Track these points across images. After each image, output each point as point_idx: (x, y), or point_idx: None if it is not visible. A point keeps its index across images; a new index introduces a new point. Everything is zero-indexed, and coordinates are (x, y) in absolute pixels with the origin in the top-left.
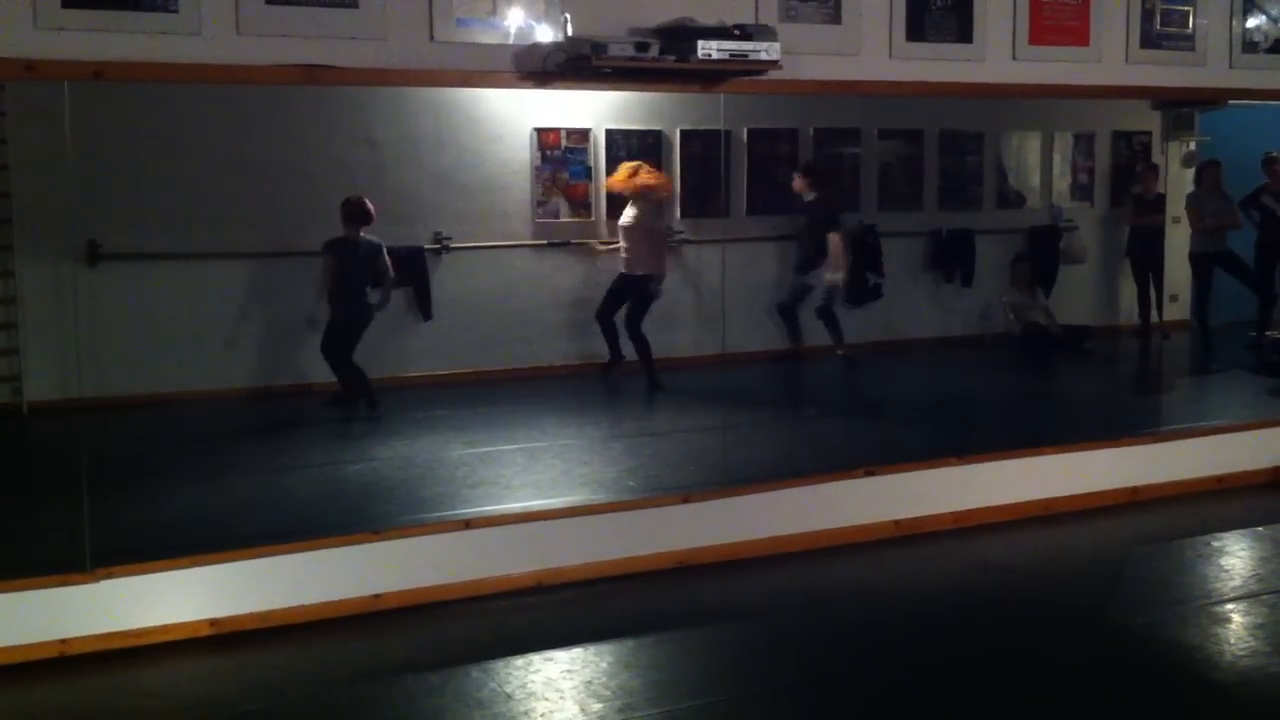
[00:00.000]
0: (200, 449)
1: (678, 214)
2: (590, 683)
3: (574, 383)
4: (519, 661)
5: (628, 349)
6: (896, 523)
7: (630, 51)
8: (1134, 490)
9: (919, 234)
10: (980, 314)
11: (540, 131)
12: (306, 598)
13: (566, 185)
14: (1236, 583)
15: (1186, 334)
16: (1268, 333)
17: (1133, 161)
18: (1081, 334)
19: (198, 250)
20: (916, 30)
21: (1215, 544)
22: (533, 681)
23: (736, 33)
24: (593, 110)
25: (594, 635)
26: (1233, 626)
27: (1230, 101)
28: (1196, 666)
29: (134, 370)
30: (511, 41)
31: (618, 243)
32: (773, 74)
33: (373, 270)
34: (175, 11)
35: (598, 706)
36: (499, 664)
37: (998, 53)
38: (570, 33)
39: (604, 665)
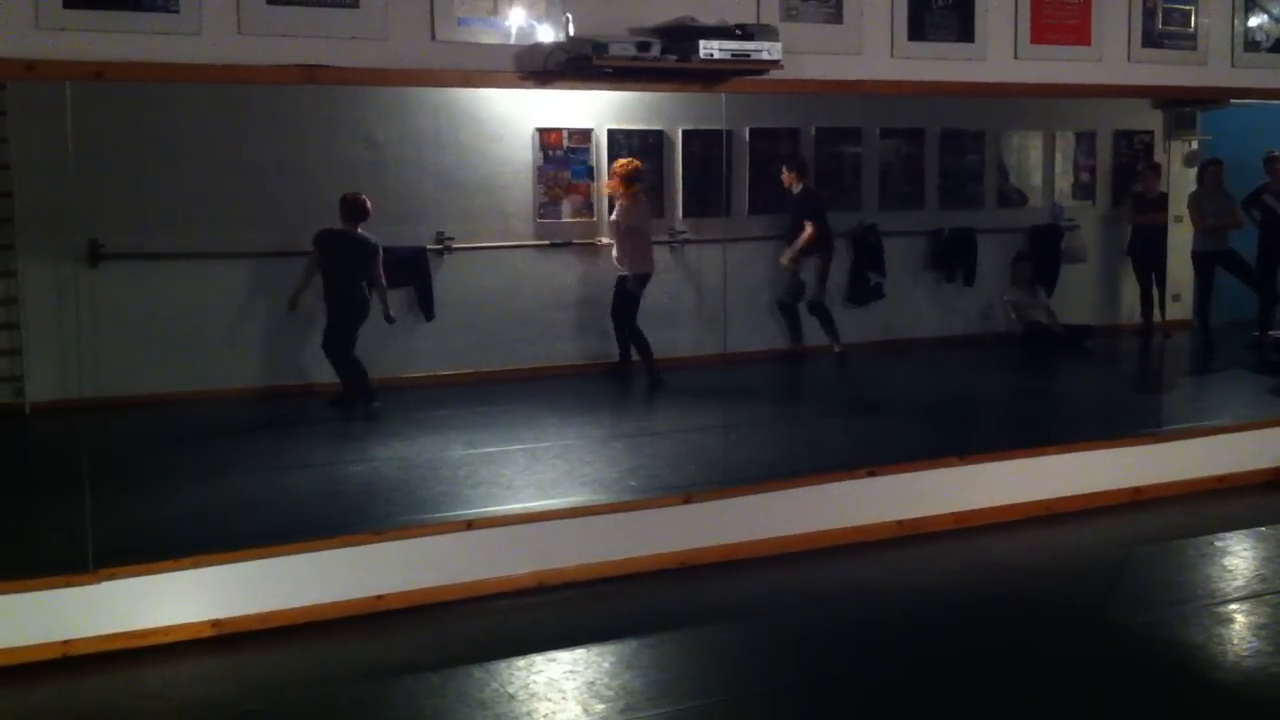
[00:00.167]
0: (202, 449)
1: (679, 214)
2: (592, 683)
3: (575, 383)
4: (521, 662)
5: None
6: (898, 523)
7: (632, 51)
8: (1135, 490)
9: (920, 233)
10: (981, 313)
11: (542, 131)
12: (308, 598)
13: (568, 185)
14: (1239, 583)
15: (1188, 333)
16: (1269, 332)
17: (1134, 160)
18: (1083, 333)
19: (199, 250)
20: (918, 29)
21: (1217, 544)
22: (535, 682)
23: (738, 32)
24: (594, 110)
25: (596, 635)
26: (1235, 626)
27: (1232, 101)
28: (1198, 666)
29: (135, 370)
30: (512, 41)
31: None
32: (774, 73)
33: (366, 269)
34: (176, 11)
35: (600, 707)
36: (501, 664)
37: (999, 52)
38: (571, 32)
39: (606, 665)
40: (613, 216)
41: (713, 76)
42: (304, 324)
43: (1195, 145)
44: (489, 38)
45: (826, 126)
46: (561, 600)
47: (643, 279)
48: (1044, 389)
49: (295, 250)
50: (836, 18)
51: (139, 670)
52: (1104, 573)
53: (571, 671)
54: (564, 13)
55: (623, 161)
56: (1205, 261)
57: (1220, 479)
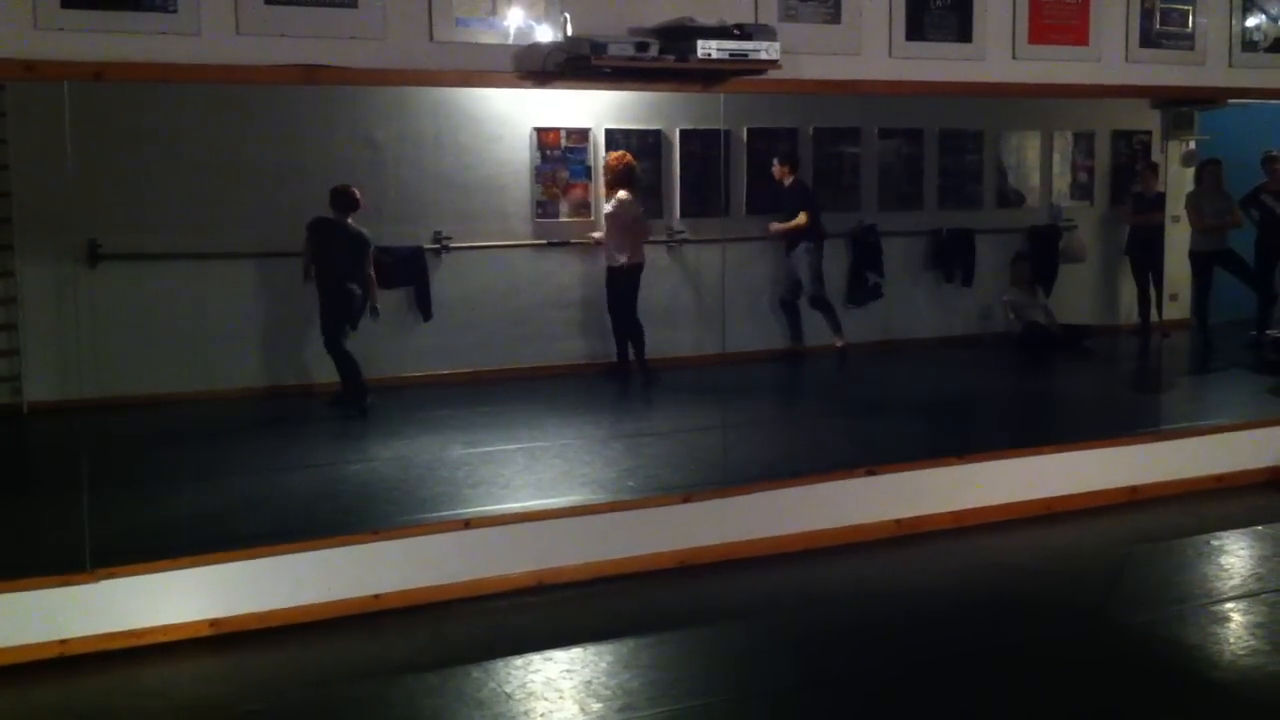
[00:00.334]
0: (200, 449)
1: (677, 213)
2: (590, 682)
3: (574, 382)
4: (519, 661)
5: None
6: (897, 522)
7: (630, 51)
8: (1134, 489)
9: (919, 233)
10: (980, 313)
11: (540, 131)
12: (307, 598)
13: (566, 185)
14: (1236, 582)
15: (1186, 333)
16: (1267, 331)
17: (1132, 160)
18: (1081, 333)
19: (198, 250)
20: (916, 30)
21: (1215, 543)
22: (532, 681)
23: (736, 32)
24: (592, 110)
25: (594, 635)
26: (1232, 625)
27: (1230, 100)
28: (1196, 665)
29: (134, 370)
30: (511, 41)
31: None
32: (772, 73)
33: (356, 261)
34: (174, 12)
35: (597, 706)
36: (499, 664)
37: (997, 52)
38: (570, 32)
39: (604, 665)
40: (609, 209)
41: (711, 76)
42: (302, 324)
43: (1193, 145)
44: (487, 38)
45: (825, 126)
46: (560, 600)
47: (638, 269)
48: (1042, 389)
49: (293, 251)
50: (835, 18)
51: (137, 670)
52: (1102, 572)
53: (569, 671)
54: (562, 13)
55: (615, 154)
56: (1203, 261)
57: (1218, 478)
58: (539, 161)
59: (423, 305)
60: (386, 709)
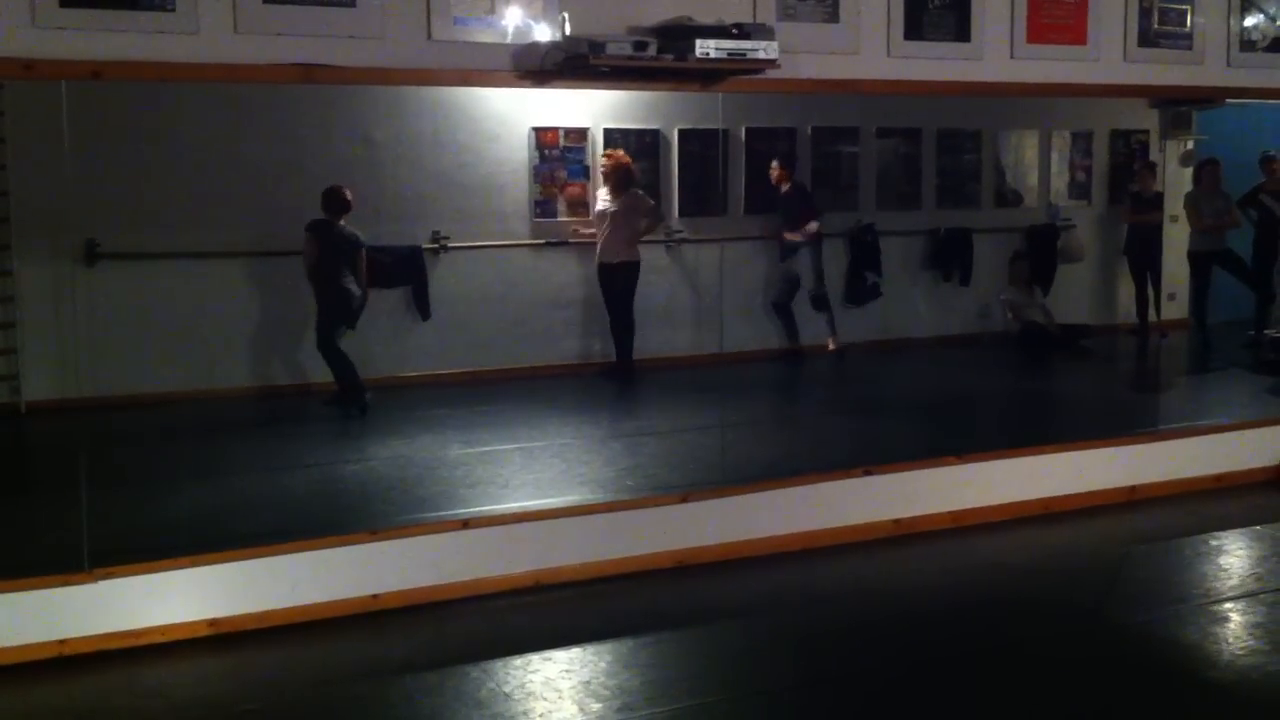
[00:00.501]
0: (199, 448)
1: (675, 213)
2: (589, 682)
3: (572, 382)
4: (517, 661)
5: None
6: (895, 522)
7: (628, 50)
8: (1132, 489)
9: (917, 233)
10: (978, 313)
11: (538, 130)
12: (305, 598)
13: (564, 184)
14: (1235, 581)
15: (1185, 333)
16: (1266, 331)
17: (1130, 160)
18: (1079, 333)
19: (196, 249)
20: (914, 29)
21: (1214, 543)
22: (531, 681)
23: (734, 31)
24: (591, 109)
25: (592, 635)
26: (1231, 625)
27: (1228, 100)
28: (1195, 665)
29: (132, 369)
30: (509, 40)
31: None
32: (771, 73)
33: (349, 263)
34: (173, 10)
35: (596, 706)
36: (497, 664)
37: (996, 51)
38: (568, 32)
39: (602, 665)
40: (609, 207)
41: (709, 76)
42: (300, 324)
43: (1191, 145)
44: (486, 37)
45: (823, 126)
46: (558, 599)
47: (632, 267)
48: (1041, 388)
49: (292, 250)
50: (833, 17)
51: (136, 669)
52: (1101, 572)
53: (568, 670)
54: (560, 12)
55: (610, 152)
56: (1202, 261)
57: (1217, 478)
58: (537, 161)
59: (421, 305)
60: (385, 709)
